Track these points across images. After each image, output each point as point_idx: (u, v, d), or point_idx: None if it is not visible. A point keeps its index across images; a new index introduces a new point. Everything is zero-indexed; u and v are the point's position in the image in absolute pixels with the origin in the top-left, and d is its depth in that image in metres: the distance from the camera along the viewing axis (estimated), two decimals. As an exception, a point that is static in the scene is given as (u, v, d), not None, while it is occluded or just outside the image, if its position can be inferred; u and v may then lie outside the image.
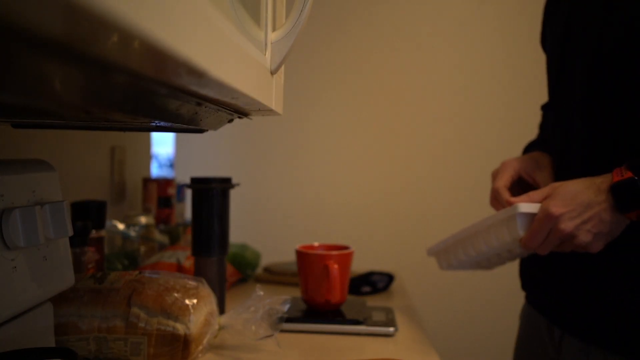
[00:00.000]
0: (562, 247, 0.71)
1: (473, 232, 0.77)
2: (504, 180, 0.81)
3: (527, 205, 0.70)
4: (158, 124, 0.52)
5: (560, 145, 0.81)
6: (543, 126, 0.99)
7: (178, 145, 2.13)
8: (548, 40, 0.88)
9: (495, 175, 0.84)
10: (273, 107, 0.56)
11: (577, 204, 0.67)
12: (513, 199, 0.72)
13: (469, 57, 1.96)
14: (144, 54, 0.24)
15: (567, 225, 0.67)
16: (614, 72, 0.71)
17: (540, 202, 0.70)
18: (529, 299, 0.92)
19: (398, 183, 1.99)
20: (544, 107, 0.98)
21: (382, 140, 2.00)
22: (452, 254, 0.82)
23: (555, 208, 0.67)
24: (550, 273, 0.82)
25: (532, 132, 1.02)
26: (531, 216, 0.70)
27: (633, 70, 0.69)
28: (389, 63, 1.99)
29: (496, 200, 0.82)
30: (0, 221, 0.47)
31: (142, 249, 1.09)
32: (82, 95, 0.28)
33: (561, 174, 0.80)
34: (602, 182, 0.67)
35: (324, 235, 1.75)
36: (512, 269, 0.98)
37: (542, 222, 0.68)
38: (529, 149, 0.96)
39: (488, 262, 0.82)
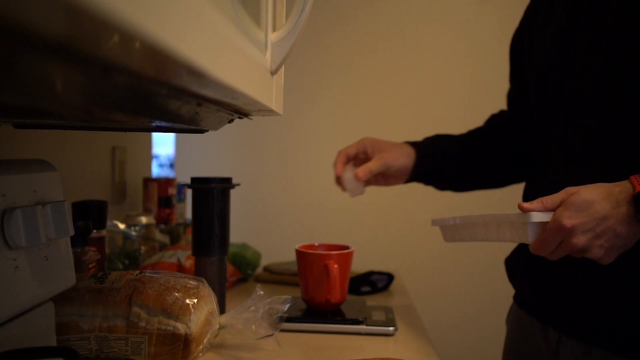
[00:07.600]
0: (573, 255, 0.67)
1: (482, 223, 0.77)
2: (350, 148, 1.01)
3: (539, 215, 0.66)
4: (159, 124, 0.52)
5: (565, 144, 0.78)
6: (508, 121, 0.99)
7: (178, 145, 2.14)
8: (539, 41, 0.85)
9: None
10: (273, 107, 0.56)
11: (592, 216, 0.62)
12: (526, 206, 0.67)
13: (469, 57, 1.96)
14: (144, 54, 0.24)
15: (579, 240, 0.63)
16: (633, 70, 0.68)
17: (553, 209, 0.66)
18: (519, 301, 0.89)
19: (398, 183, 1.99)
20: (516, 101, 0.97)
21: (383, 140, 2.00)
22: (458, 233, 0.83)
23: (568, 220, 0.63)
24: (544, 271, 0.79)
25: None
26: (543, 224, 0.67)
27: None
28: (389, 63, 1.99)
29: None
30: (2, 221, 0.48)
31: (143, 248, 1.09)
32: (83, 95, 0.28)
33: (567, 174, 0.77)
34: (621, 191, 0.63)
35: (324, 235, 1.75)
36: (512, 268, 0.97)
37: (554, 233, 0.65)
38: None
39: (497, 241, 0.82)
